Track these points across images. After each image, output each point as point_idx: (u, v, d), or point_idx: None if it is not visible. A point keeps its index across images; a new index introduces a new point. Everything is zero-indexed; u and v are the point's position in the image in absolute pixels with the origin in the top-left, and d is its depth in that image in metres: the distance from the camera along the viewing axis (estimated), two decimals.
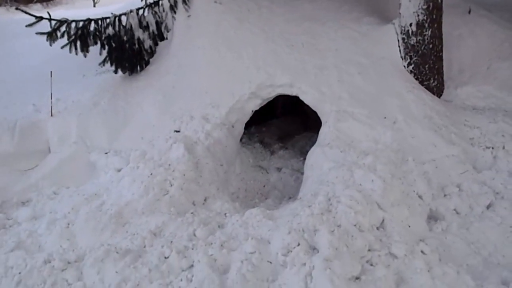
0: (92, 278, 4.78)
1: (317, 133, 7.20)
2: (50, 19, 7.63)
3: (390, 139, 6.48)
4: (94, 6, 18.11)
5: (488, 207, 5.66)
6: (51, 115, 7.65)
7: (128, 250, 5.02)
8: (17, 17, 11.02)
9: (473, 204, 5.65)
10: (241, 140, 8.03)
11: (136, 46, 8.56)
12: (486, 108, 7.38)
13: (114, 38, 8.25)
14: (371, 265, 4.71)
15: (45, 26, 7.64)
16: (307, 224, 4.95)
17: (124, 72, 8.56)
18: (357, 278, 4.52)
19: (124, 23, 8.36)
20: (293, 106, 9.38)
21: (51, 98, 7.78)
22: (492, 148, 6.40)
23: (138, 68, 8.71)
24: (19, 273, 4.94)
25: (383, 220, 5.29)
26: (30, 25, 7.48)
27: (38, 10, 13.50)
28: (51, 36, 7.70)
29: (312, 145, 7.01)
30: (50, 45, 7.78)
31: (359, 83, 7.32)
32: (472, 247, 5.13)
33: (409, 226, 5.31)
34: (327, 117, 7.09)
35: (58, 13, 10.67)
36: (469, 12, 8.89)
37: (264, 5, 8.63)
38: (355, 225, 5.02)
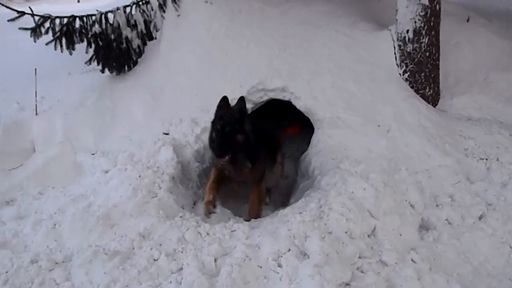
0: (80, 278, 4.90)
1: (310, 138, 7.38)
2: (33, 15, 7.74)
3: (384, 148, 6.68)
4: (78, 1, 18.29)
5: (480, 218, 5.86)
6: (36, 114, 7.79)
7: (117, 252, 5.14)
8: None
9: (465, 215, 5.85)
10: None
11: (124, 45, 8.68)
12: (482, 119, 7.58)
13: (101, 36, 8.36)
14: (362, 272, 4.89)
15: (28, 21, 7.75)
16: (298, 231, 5.06)
17: (111, 72, 8.69)
18: (347, 284, 4.64)
19: (111, 21, 8.48)
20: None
21: (36, 96, 7.90)
22: (486, 159, 6.62)
23: (126, 68, 8.84)
24: (6, 272, 5.06)
25: (374, 228, 5.46)
26: (12, 19, 7.59)
27: (19, 3, 13.60)
28: (35, 32, 7.79)
29: (304, 152, 7.24)
30: (35, 41, 7.85)
31: (353, 89, 7.50)
32: (462, 256, 5.32)
33: (400, 235, 5.48)
34: (320, 124, 7.27)
35: (42, 8, 10.73)
36: (468, 20, 9.12)
37: (256, 7, 8.79)
38: (346, 232, 5.18)
